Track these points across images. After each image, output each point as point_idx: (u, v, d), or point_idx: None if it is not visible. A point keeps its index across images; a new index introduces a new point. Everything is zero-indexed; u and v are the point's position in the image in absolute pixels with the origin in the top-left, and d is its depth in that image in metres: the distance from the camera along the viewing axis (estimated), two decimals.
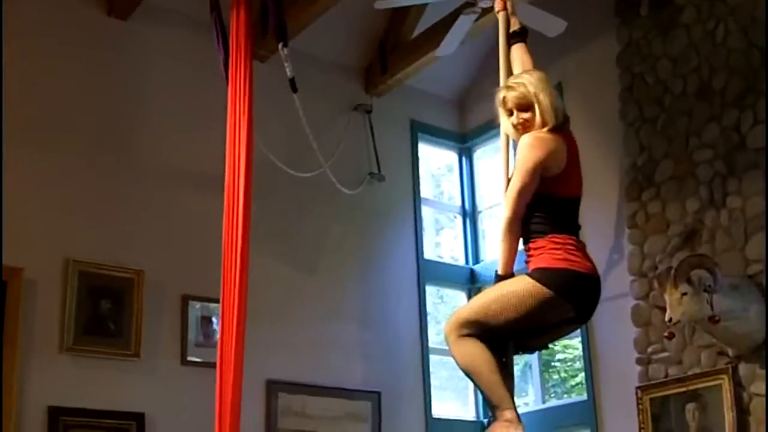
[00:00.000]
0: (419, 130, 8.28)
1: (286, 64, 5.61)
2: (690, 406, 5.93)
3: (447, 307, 8.51)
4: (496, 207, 8.33)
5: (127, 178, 6.44)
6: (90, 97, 6.44)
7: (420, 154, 8.27)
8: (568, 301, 3.64)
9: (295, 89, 5.93)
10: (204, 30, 5.93)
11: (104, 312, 6.11)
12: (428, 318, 7.82)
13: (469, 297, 8.19)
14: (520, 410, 3.68)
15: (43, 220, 5.99)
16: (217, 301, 4.91)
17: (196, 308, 6.46)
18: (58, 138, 6.21)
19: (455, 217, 8.60)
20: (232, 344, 4.07)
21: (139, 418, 6.01)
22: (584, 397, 7.04)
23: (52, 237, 6.00)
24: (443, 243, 8.66)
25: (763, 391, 5.58)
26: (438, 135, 8.47)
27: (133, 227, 6.37)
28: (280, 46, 5.49)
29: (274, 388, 6.76)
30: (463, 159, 8.64)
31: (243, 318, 4.13)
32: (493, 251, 8.26)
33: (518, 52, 4.26)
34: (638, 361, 6.31)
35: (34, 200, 5.98)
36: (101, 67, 6.52)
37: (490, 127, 8.18)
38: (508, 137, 4.14)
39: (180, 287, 6.44)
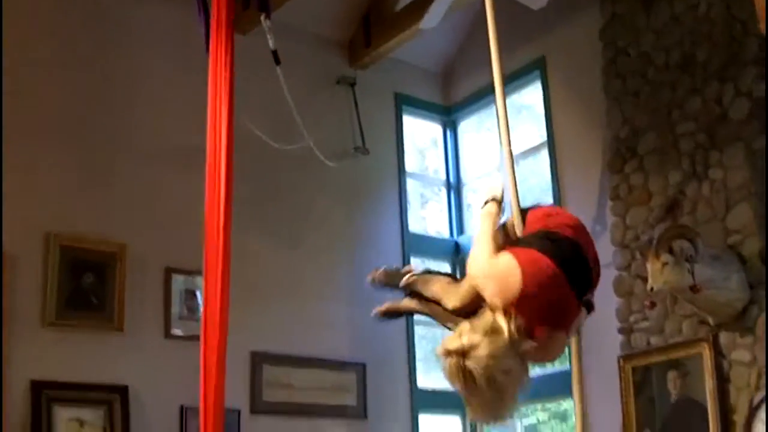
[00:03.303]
0: (403, 102, 8.28)
1: (268, 36, 5.60)
2: (671, 375, 5.98)
3: None
4: (482, 179, 8.36)
5: (109, 152, 6.42)
6: (72, 73, 6.40)
7: (405, 127, 8.27)
8: None
9: (278, 61, 5.92)
10: (186, 5, 5.91)
11: (86, 286, 6.11)
12: None
13: (454, 269, 8.22)
14: None
15: (24, 195, 5.97)
16: (200, 274, 4.91)
17: (179, 281, 6.46)
18: (39, 114, 6.19)
19: (440, 191, 8.61)
20: (216, 317, 4.07)
21: (122, 391, 6.03)
22: (567, 366, 7.08)
23: (32, 212, 5.99)
24: (428, 217, 8.67)
25: (743, 359, 5.62)
26: (422, 108, 8.47)
27: (115, 201, 6.36)
28: (262, 17, 5.48)
29: (258, 360, 6.78)
30: (448, 132, 8.65)
31: (226, 291, 4.13)
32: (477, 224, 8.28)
33: None
34: (620, 331, 6.35)
35: (14, 176, 5.95)
36: (82, 43, 6.49)
37: (475, 99, 8.21)
38: (505, 106, 4.16)
39: (163, 260, 6.44)
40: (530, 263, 3.40)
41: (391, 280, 4.05)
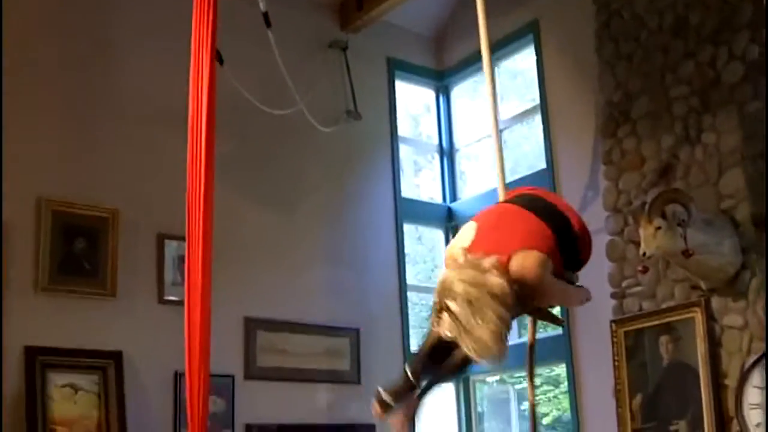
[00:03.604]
0: (396, 67, 8.24)
1: None
2: (663, 339, 5.99)
3: (425, 248, 8.55)
4: (474, 145, 8.35)
5: (101, 117, 6.39)
6: (60, 38, 6.35)
7: (397, 93, 8.24)
8: None
9: (268, 24, 5.88)
10: None
11: (79, 251, 6.10)
12: (406, 257, 7.85)
13: (447, 235, 8.23)
14: None
15: (15, 160, 5.93)
16: None
17: (172, 247, 6.45)
18: (30, 80, 6.14)
19: (432, 158, 8.60)
20: (198, 281, 4.05)
21: (116, 356, 6.03)
22: (559, 331, 7.11)
23: (24, 177, 5.95)
24: (422, 184, 8.66)
25: (735, 324, 5.65)
26: (415, 72, 8.43)
27: (107, 166, 6.34)
28: None
29: (252, 325, 6.79)
30: (441, 97, 8.62)
31: (208, 254, 4.11)
32: (470, 189, 8.29)
33: None
34: (613, 296, 6.36)
35: (5, 142, 5.91)
36: (70, 7, 6.43)
37: (468, 64, 8.17)
38: (492, 72, 4.17)
39: (155, 226, 6.43)
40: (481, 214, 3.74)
41: (401, 392, 3.85)
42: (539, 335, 7.33)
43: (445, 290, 3.40)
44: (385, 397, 3.80)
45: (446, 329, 3.40)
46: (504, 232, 3.61)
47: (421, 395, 3.88)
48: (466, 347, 3.39)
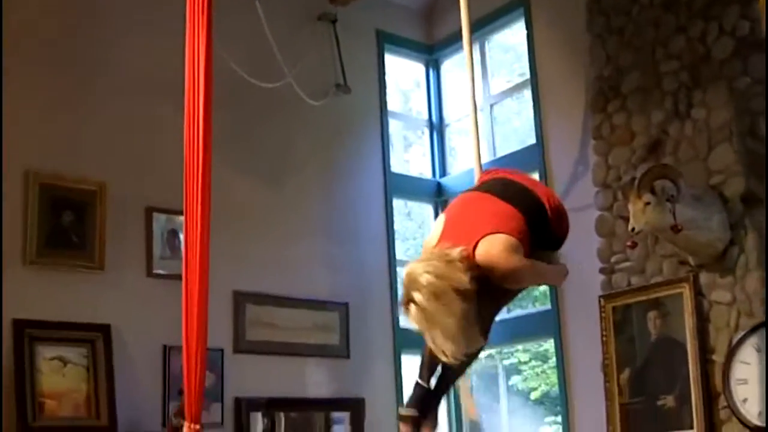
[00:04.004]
0: (385, 41, 8.20)
1: None
2: (652, 314, 6.01)
3: (414, 223, 8.55)
4: (464, 120, 8.33)
5: (88, 90, 6.35)
6: (51, 12, 6.30)
7: (387, 67, 8.20)
8: None
9: None
10: None
11: (67, 224, 6.08)
12: (395, 232, 7.85)
13: (436, 210, 8.22)
14: None
15: (3, 133, 5.89)
16: (182, 213, 4.88)
17: (161, 221, 6.44)
18: (18, 51, 6.08)
19: (422, 134, 8.58)
20: (196, 256, 4.04)
21: (105, 329, 6.02)
22: (548, 306, 7.13)
23: (11, 149, 5.91)
24: (411, 160, 8.65)
25: (723, 299, 5.67)
26: (405, 46, 8.40)
27: (95, 140, 6.30)
28: None
29: (241, 299, 6.79)
30: (431, 71, 8.59)
31: (206, 229, 4.10)
32: (460, 164, 8.28)
33: None
34: (601, 271, 6.37)
35: None
36: None
37: (458, 38, 8.06)
38: (471, 48, 4.15)
39: (144, 199, 6.41)
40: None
41: (420, 400, 3.83)
42: (528, 310, 7.40)
43: (411, 282, 3.36)
44: (409, 412, 3.79)
45: (413, 321, 3.38)
46: (471, 219, 3.54)
47: (438, 397, 3.87)
48: (430, 340, 3.37)
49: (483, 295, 3.41)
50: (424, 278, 3.31)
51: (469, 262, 3.38)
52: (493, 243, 3.42)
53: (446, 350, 3.34)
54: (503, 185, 3.80)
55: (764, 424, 5.32)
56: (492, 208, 3.59)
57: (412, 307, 3.34)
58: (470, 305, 3.32)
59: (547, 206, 3.74)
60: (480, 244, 3.41)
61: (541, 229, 3.70)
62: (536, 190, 3.83)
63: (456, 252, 3.37)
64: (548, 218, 3.74)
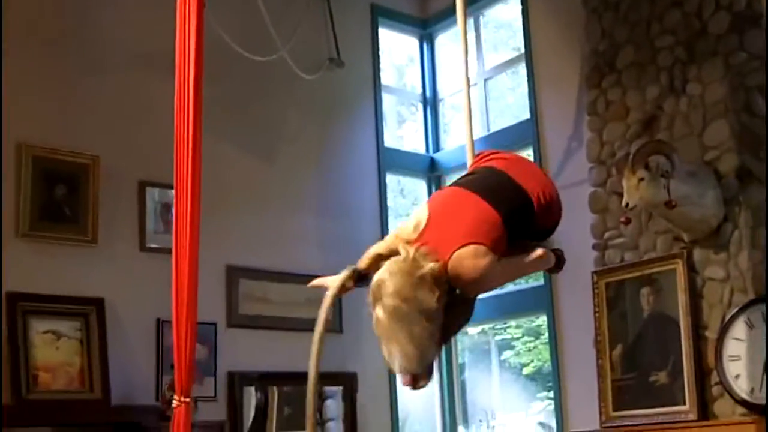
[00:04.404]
0: (379, 14, 8.16)
1: None
2: (645, 291, 6.02)
3: (407, 201, 8.54)
4: (458, 95, 8.31)
5: (82, 63, 6.30)
6: None
7: (381, 41, 8.17)
8: None
9: None
10: None
11: (59, 198, 6.06)
12: (388, 209, 7.84)
13: (429, 186, 8.22)
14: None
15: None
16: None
17: (154, 194, 6.42)
18: (10, 25, 6.02)
19: (416, 110, 8.55)
20: (186, 229, 4.02)
21: (98, 303, 6.02)
22: (541, 282, 7.14)
23: (4, 122, 5.87)
24: (405, 136, 8.63)
25: (716, 276, 5.67)
26: (399, 20, 8.36)
27: (88, 112, 6.27)
28: None
29: (234, 274, 6.79)
30: (425, 45, 8.56)
31: (197, 203, 4.07)
32: (454, 140, 8.27)
33: None
34: (595, 247, 6.37)
35: None
36: None
37: (453, 12, 8.02)
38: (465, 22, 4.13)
39: (137, 173, 6.39)
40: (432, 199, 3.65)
41: None
42: (520, 286, 7.40)
43: (376, 295, 3.34)
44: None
45: (374, 326, 3.36)
46: (450, 224, 3.47)
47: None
48: (385, 351, 3.34)
49: (451, 308, 3.41)
50: (390, 300, 3.28)
51: (441, 276, 3.35)
52: (465, 258, 3.37)
53: (399, 364, 3.31)
54: (492, 179, 3.73)
55: (754, 401, 5.35)
56: (472, 212, 3.52)
57: (374, 315, 3.33)
58: (433, 325, 3.30)
59: (535, 202, 3.70)
60: (453, 257, 3.36)
61: (525, 224, 3.68)
62: (528, 183, 3.72)
63: (428, 268, 3.32)
64: (534, 214, 3.71)
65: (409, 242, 3.44)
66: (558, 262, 3.87)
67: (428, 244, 3.39)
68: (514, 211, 3.59)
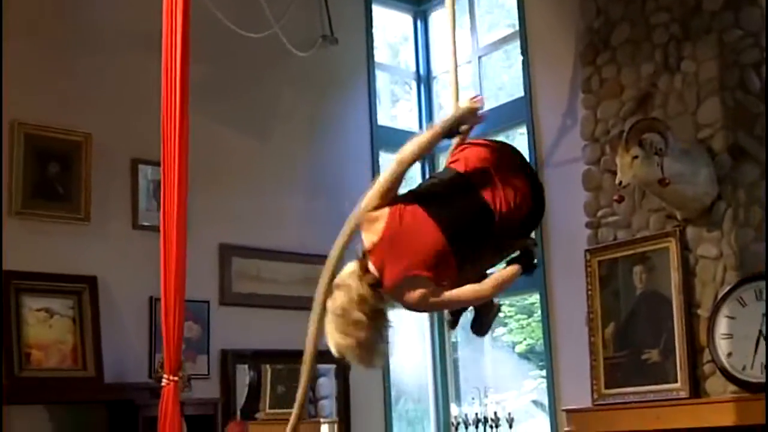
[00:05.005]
0: None
1: None
2: (637, 269, 6.02)
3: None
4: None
5: (75, 40, 6.28)
6: None
7: (375, 19, 8.13)
8: None
9: None
10: None
11: (52, 175, 6.04)
12: None
13: (423, 165, 8.17)
14: None
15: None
16: None
17: (146, 172, 6.40)
18: (3, 5, 5.98)
19: (410, 89, 8.52)
20: (174, 207, 4.01)
21: (91, 281, 6.01)
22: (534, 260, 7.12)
23: None
24: (399, 115, 8.60)
25: (709, 254, 5.68)
26: None
27: (81, 90, 6.24)
28: None
29: (227, 252, 6.78)
30: (419, 22, 8.52)
31: (184, 181, 4.05)
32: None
33: None
34: (588, 225, 6.37)
35: None
36: None
37: None
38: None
39: (129, 151, 6.37)
40: (395, 212, 3.74)
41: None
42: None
43: (334, 288, 3.72)
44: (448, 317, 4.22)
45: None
46: (400, 246, 3.66)
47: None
48: (327, 332, 3.72)
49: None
50: (332, 309, 3.67)
51: (382, 295, 3.67)
52: (404, 285, 3.63)
53: (333, 344, 3.70)
54: (449, 192, 3.80)
55: (746, 379, 5.36)
56: (421, 239, 3.66)
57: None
58: (369, 333, 3.63)
59: (496, 211, 3.71)
60: (393, 285, 3.63)
61: (486, 233, 3.76)
62: (492, 189, 3.75)
63: (368, 293, 3.62)
64: (494, 222, 3.72)
65: (365, 254, 3.70)
66: (526, 263, 3.87)
67: (378, 258, 3.66)
68: (465, 231, 3.69)
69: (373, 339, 3.65)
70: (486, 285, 3.80)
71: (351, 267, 3.73)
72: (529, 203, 3.79)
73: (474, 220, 3.72)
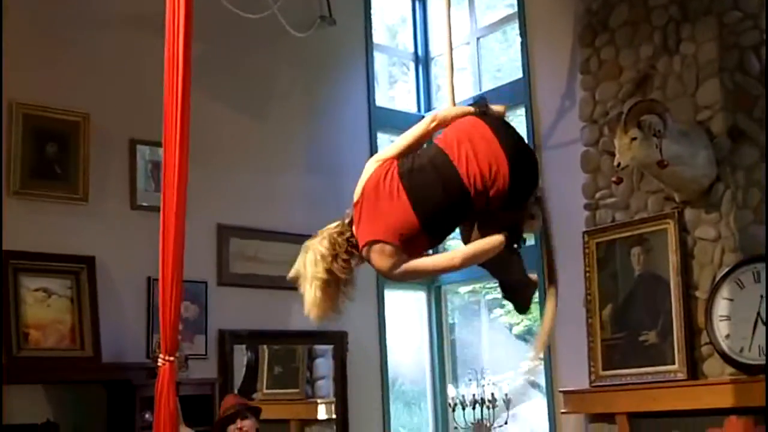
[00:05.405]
0: None
1: None
2: (635, 250, 6.03)
3: None
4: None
5: (72, 21, 6.25)
6: None
7: (373, 0, 8.09)
8: None
9: None
10: None
11: (50, 156, 6.03)
12: None
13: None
14: None
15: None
16: None
17: (144, 152, 6.40)
18: None
19: (408, 71, 8.50)
20: (173, 187, 4.00)
21: (89, 261, 6.01)
22: (531, 241, 7.12)
23: None
24: (397, 96, 8.59)
25: (707, 236, 5.68)
26: None
27: (79, 70, 6.23)
28: None
29: (225, 233, 6.78)
30: (417, 4, 8.49)
31: (185, 161, 4.04)
32: (445, 99, 8.22)
33: None
34: (586, 207, 6.37)
35: None
36: None
37: None
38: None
39: (127, 131, 6.37)
40: (381, 172, 3.88)
41: None
42: None
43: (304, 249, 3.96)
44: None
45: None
46: (376, 211, 3.82)
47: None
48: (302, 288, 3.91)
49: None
50: (310, 263, 3.87)
51: (355, 258, 3.88)
52: (374, 251, 3.79)
53: (301, 289, 3.90)
54: (430, 166, 3.83)
55: (744, 360, 5.38)
56: (395, 211, 3.77)
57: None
58: (332, 288, 3.85)
59: (470, 187, 3.73)
60: (365, 248, 3.81)
61: (463, 209, 3.81)
62: (468, 164, 3.76)
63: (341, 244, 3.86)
64: (470, 198, 3.76)
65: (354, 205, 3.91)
66: (510, 238, 3.87)
67: (357, 213, 3.87)
68: (439, 211, 3.77)
69: (327, 303, 3.84)
70: (457, 255, 3.86)
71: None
72: (505, 176, 3.74)
73: (449, 199, 3.77)
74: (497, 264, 3.96)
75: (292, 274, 3.93)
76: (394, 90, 8.64)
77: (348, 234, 3.86)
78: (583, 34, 6.56)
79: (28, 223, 5.86)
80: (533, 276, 4.20)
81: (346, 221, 3.91)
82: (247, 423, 5.25)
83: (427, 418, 7.88)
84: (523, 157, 3.86)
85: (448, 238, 4.02)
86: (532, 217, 3.95)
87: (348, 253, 3.85)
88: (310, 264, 3.85)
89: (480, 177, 3.71)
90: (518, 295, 4.21)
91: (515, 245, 3.89)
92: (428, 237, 3.81)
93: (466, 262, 3.85)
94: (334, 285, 3.83)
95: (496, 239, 3.82)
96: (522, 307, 4.30)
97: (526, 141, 4.22)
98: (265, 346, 6.86)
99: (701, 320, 5.63)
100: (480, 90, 7.80)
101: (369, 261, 3.84)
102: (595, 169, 6.36)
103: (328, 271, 3.82)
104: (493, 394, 7.04)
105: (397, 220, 3.76)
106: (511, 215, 3.86)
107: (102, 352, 5.91)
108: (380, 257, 3.78)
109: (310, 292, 3.83)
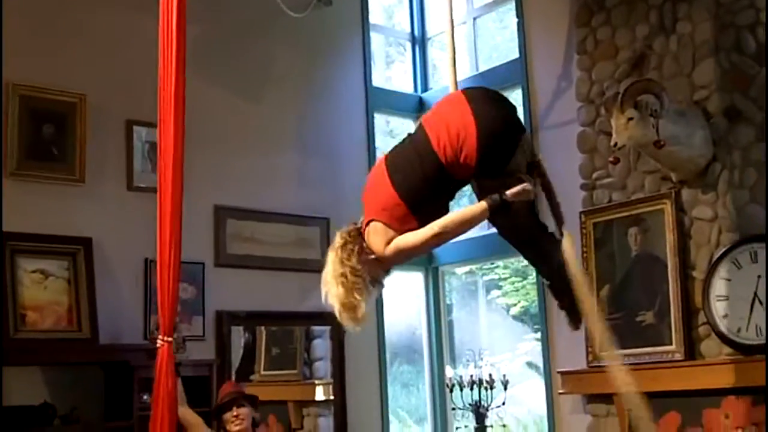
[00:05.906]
0: None
1: None
2: (632, 230, 6.03)
3: (396, 140, 8.48)
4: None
5: (67, 1, 6.23)
6: None
7: None
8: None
9: None
10: None
11: (47, 137, 6.02)
12: (377, 149, 7.80)
13: None
14: None
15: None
16: None
17: (141, 133, 6.38)
18: None
19: (404, 51, 8.48)
20: (170, 168, 4.00)
21: (86, 242, 6.01)
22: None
23: None
24: (393, 77, 8.57)
25: (704, 216, 5.68)
26: None
27: (76, 51, 6.21)
28: None
29: (222, 214, 6.78)
30: None
31: (180, 142, 4.03)
32: (442, 79, 8.21)
33: None
34: (583, 187, 6.37)
35: None
36: None
37: None
38: None
39: (124, 112, 6.35)
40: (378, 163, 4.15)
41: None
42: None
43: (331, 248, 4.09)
44: None
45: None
46: (369, 197, 4.06)
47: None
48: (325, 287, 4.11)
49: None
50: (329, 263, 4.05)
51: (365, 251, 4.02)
52: (370, 232, 3.99)
53: (327, 294, 4.09)
54: (411, 145, 4.03)
55: (741, 341, 5.39)
56: (382, 192, 3.98)
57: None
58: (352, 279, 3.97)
59: (441, 156, 3.86)
60: (364, 230, 4.03)
61: (443, 183, 3.96)
62: (439, 134, 3.89)
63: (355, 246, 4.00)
64: (444, 168, 3.89)
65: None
66: (498, 206, 3.91)
67: (364, 204, 4.07)
68: (418, 188, 3.92)
69: (350, 297, 4.00)
70: (436, 224, 3.92)
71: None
72: (472, 142, 3.81)
73: (424, 172, 3.90)
74: (532, 247, 4.32)
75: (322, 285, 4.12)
76: (391, 70, 8.62)
77: (358, 225, 4.06)
78: (579, 14, 6.55)
79: (25, 204, 5.85)
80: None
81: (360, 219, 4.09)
82: (243, 411, 5.25)
83: (425, 399, 7.90)
84: (494, 121, 3.90)
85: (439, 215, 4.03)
86: (521, 181, 3.95)
87: (359, 244, 4.01)
88: (329, 264, 4.05)
89: (449, 145, 3.84)
90: (563, 296, 4.34)
91: (506, 210, 3.95)
92: (415, 214, 3.92)
93: (447, 231, 3.93)
94: (352, 277, 3.95)
95: (477, 206, 3.93)
96: (575, 320, 4.44)
97: (518, 114, 4.20)
98: (262, 328, 6.86)
99: (698, 300, 5.64)
100: (477, 70, 7.79)
101: (369, 247, 3.99)
102: (592, 149, 6.36)
103: (342, 263, 3.97)
104: (491, 375, 7.05)
105: (383, 198, 3.95)
106: (497, 182, 3.92)
107: (99, 333, 5.90)
108: (373, 236, 3.95)
109: (333, 289, 4.02)
